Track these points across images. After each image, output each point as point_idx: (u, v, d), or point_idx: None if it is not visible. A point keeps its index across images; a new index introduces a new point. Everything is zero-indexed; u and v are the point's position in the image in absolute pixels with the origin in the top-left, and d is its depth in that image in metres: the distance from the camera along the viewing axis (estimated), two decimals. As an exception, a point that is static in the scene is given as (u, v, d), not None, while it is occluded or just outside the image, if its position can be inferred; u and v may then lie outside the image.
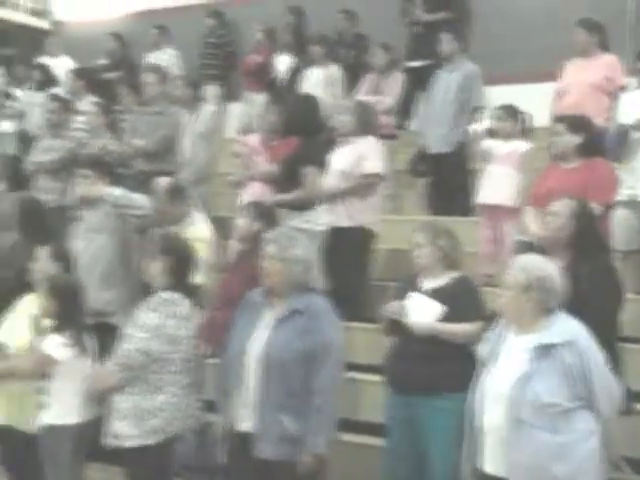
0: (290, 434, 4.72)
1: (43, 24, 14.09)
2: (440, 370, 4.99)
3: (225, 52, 11.84)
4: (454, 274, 5.21)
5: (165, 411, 4.98)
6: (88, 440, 5.42)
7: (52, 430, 5.37)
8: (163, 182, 6.67)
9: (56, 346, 5.36)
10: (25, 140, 10.32)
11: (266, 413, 4.75)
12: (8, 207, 7.37)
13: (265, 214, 6.02)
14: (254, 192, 7.41)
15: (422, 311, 5.09)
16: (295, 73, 10.33)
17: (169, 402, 4.99)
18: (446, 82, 8.70)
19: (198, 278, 5.46)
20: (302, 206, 6.93)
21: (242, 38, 11.87)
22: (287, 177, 7.07)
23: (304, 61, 10.36)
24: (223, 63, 11.76)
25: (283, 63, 10.70)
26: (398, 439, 5.14)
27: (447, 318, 5.06)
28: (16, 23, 14.03)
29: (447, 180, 8.63)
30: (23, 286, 5.91)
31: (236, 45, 11.92)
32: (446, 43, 8.88)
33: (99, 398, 5.28)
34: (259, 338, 4.83)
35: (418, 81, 9.46)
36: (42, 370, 5.40)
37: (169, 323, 4.97)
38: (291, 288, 4.92)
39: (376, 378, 5.82)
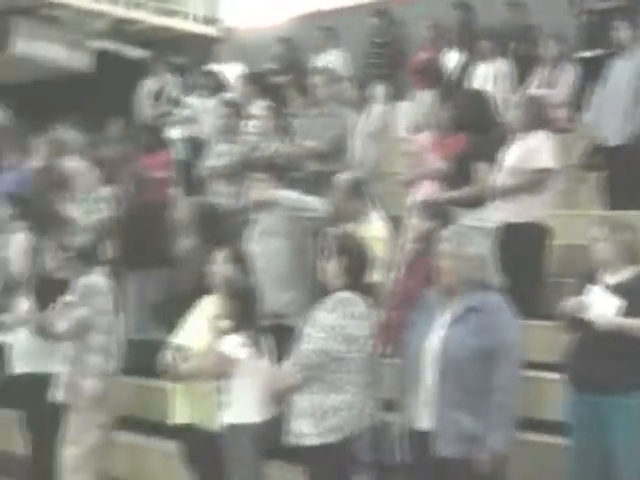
0: (468, 432, 4.68)
1: (212, 31, 14.38)
2: (624, 367, 4.86)
3: (391, 51, 11.82)
4: (637, 268, 5.05)
5: (343, 410, 5.00)
6: (268, 439, 5.50)
7: (233, 429, 5.48)
8: (342, 179, 6.69)
9: (235, 346, 5.46)
10: (196, 146, 10.56)
11: (443, 411, 4.73)
12: (185, 212, 7.57)
13: (439, 213, 5.98)
14: (425, 191, 7.37)
15: (603, 306, 4.97)
16: (464, 69, 10.24)
17: (347, 401, 5.01)
18: (622, 71, 8.44)
19: (374, 277, 5.46)
20: (473, 203, 6.85)
21: (410, 36, 11.83)
22: (458, 174, 7.01)
23: (473, 56, 10.26)
24: (389, 62, 11.74)
25: (452, 59, 10.63)
26: (582, 438, 5.02)
27: (629, 313, 4.92)
28: (186, 32, 14.38)
29: (624, 173, 8.38)
30: (201, 289, 6.04)
31: (403, 43, 11.89)
32: (622, 31, 8.63)
33: (278, 398, 5.35)
34: (436, 337, 4.81)
35: (591, 72, 9.22)
36: (222, 370, 5.51)
37: (347, 323, 4.98)
38: (466, 286, 4.88)
39: (555, 376, 5.71)
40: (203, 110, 11.19)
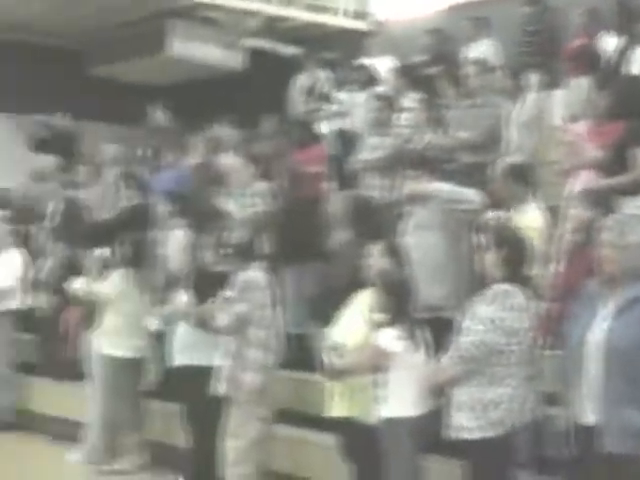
0: (636, 427, 4.54)
1: (363, 26, 14.40)
2: None
3: (543, 38, 11.58)
4: None
5: (504, 403, 4.93)
6: (426, 432, 5.48)
7: (390, 422, 5.49)
8: (505, 161, 6.60)
9: (390, 339, 5.46)
10: (346, 140, 10.59)
11: (608, 405, 4.59)
12: (339, 206, 7.61)
13: (599, 202, 5.84)
14: (583, 180, 7.20)
15: None
16: (622, 53, 9.95)
17: (507, 394, 4.94)
18: None
19: (532, 268, 5.36)
20: (632, 190, 6.65)
21: (565, 23, 11.56)
22: (615, 162, 6.81)
23: (632, 40, 9.95)
24: (542, 50, 11.51)
25: (610, 44, 10.34)
26: None
27: None
28: (337, 27, 14.44)
29: None
30: (357, 282, 6.06)
31: (556, 30, 11.64)
32: None
33: (437, 391, 5.32)
34: (598, 329, 4.68)
35: None
36: (377, 363, 5.51)
37: (506, 315, 4.91)
38: (629, 276, 4.73)
39: None
40: (353, 104, 11.22)
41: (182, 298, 7.45)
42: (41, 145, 13.75)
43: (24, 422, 10.07)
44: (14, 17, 13.85)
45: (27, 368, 10.48)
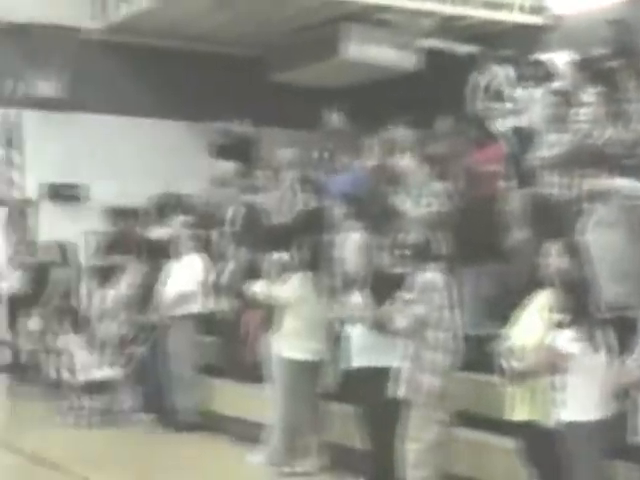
0: None
1: (539, 20, 14.14)
2: None
3: None
4: None
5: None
6: (609, 437, 5.30)
7: (570, 426, 5.36)
8: None
9: (567, 341, 5.33)
10: (523, 137, 10.38)
11: None
12: (517, 205, 7.47)
13: None
14: None
15: None
16: None
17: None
18: None
19: None
20: None
21: None
22: None
23: None
24: None
25: None
26: None
27: None
28: (513, 23, 14.22)
29: None
30: (535, 282, 5.93)
31: None
32: None
33: (621, 394, 5.14)
34: None
35: None
36: (554, 365, 5.38)
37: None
38: None
39: None
40: (530, 100, 10.99)
41: (358, 300, 7.45)
42: (221, 151, 14.06)
43: (206, 423, 10.29)
44: (199, 28, 14.34)
45: (209, 370, 10.71)
